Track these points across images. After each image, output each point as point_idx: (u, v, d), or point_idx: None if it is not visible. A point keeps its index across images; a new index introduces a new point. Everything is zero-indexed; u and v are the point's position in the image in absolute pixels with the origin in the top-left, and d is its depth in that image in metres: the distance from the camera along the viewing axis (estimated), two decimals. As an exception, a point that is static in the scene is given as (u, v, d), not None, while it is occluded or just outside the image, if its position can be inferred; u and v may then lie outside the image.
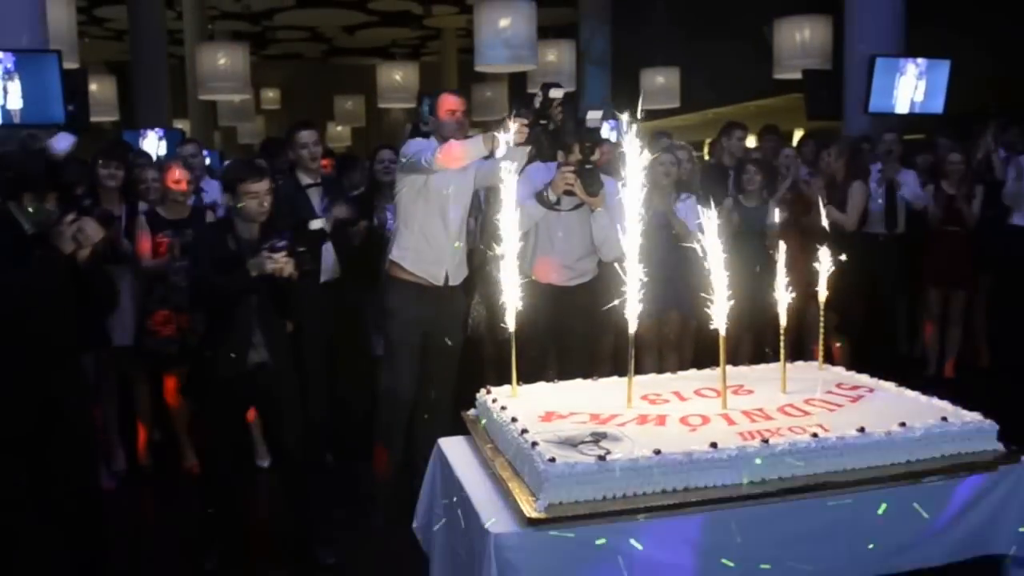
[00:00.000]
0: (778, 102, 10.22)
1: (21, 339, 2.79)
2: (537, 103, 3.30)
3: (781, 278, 2.59)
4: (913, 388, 2.63)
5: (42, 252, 2.80)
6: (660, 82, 11.37)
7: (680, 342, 4.70)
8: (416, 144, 3.65)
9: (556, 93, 3.30)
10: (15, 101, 5.39)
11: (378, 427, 3.84)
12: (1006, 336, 5.80)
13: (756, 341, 4.96)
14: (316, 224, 3.90)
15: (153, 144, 9.55)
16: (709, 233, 2.43)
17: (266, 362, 3.29)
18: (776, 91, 9.61)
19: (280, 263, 3.13)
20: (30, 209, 2.85)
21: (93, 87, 10.58)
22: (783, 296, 2.57)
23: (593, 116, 3.52)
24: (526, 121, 3.25)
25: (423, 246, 3.68)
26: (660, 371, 3.27)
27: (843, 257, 2.82)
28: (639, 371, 2.88)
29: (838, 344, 5.31)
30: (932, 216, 5.53)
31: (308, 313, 4.30)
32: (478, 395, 2.64)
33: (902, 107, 6.69)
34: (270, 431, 3.61)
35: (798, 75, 7.89)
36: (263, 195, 3.25)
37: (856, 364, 5.02)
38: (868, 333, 5.57)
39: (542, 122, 3.31)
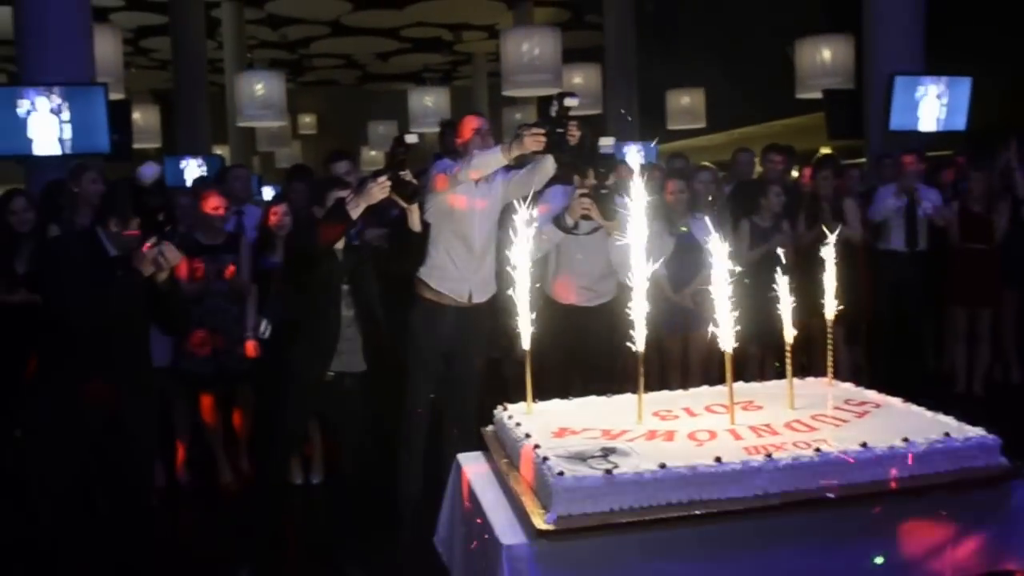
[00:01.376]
0: (802, 121, 10.25)
1: (97, 353, 2.98)
2: (553, 111, 3.34)
3: (786, 295, 2.66)
4: (941, 405, 2.63)
5: (124, 274, 2.97)
6: (686, 103, 11.47)
7: (707, 360, 4.78)
8: (441, 165, 3.79)
9: (571, 102, 3.31)
10: (65, 132, 5.68)
11: (400, 441, 3.94)
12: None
13: (779, 358, 5.01)
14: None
15: (193, 171, 9.89)
16: (719, 253, 2.51)
17: (347, 373, 3.41)
18: (800, 110, 9.65)
19: (382, 183, 3.29)
20: (114, 230, 3.04)
21: (137, 116, 11.04)
22: (787, 312, 2.64)
23: (606, 142, 3.62)
24: (542, 130, 3.31)
25: (448, 264, 3.78)
26: (686, 389, 3.34)
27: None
28: (665, 388, 2.99)
29: None
30: (953, 234, 5.53)
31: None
32: (495, 411, 2.74)
33: (925, 125, 6.71)
34: (334, 444, 3.69)
35: (820, 94, 7.94)
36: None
37: (883, 381, 5.16)
38: (895, 350, 5.58)
39: (559, 130, 3.33)
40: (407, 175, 3.42)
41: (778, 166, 5.69)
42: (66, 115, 5.60)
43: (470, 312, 3.84)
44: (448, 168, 3.66)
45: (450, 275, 3.79)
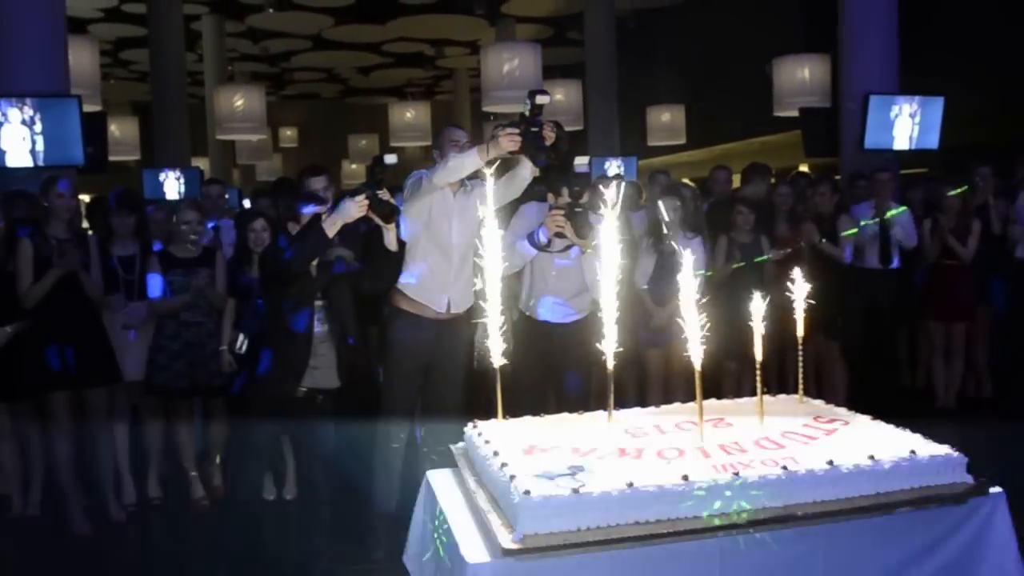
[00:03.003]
0: (780, 138, 10.37)
1: None
2: (526, 110, 3.29)
3: (758, 313, 2.67)
4: (919, 420, 2.65)
5: None
6: (666, 119, 11.56)
7: (687, 376, 4.78)
8: (416, 172, 3.78)
9: (543, 99, 3.29)
10: (38, 144, 5.62)
11: (376, 458, 3.91)
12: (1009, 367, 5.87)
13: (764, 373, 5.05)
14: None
15: (172, 183, 9.83)
16: (688, 271, 2.52)
17: (320, 389, 3.40)
18: (779, 128, 9.77)
19: (360, 204, 3.33)
20: None
21: (115, 128, 10.97)
22: (759, 329, 2.65)
23: (581, 161, 3.64)
24: (516, 130, 3.27)
25: (426, 274, 3.75)
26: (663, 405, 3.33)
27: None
28: (646, 405, 2.99)
29: None
30: (929, 251, 5.60)
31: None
32: (465, 429, 2.73)
33: (899, 144, 6.80)
34: (301, 460, 3.68)
35: (797, 112, 8.04)
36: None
37: (860, 396, 5.22)
38: (870, 365, 5.63)
39: (533, 129, 3.30)
40: (385, 194, 3.42)
41: (724, 185, 5.85)
42: (39, 127, 5.54)
43: (449, 324, 3.80)
44: (424, 176, 3.66)
45: (428, 284, 3.75)
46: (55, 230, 4.18)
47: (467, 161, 3.45)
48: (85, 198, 6.29)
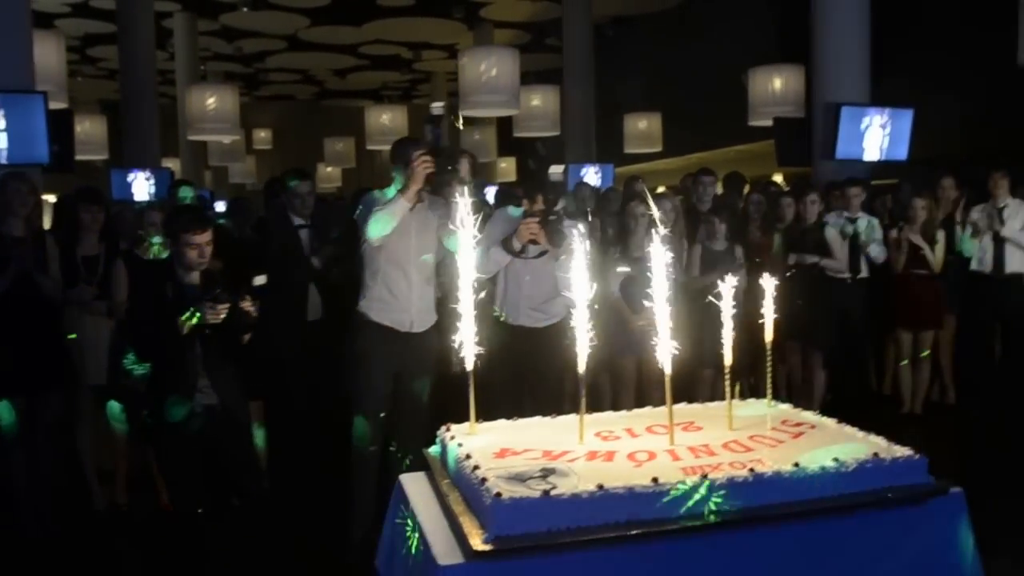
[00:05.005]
0: (755, 147, 10.49)
1: None
2: (429, 135, 3.42)
3: (728, 319, 2.71)
4: (886, 424, 2.71)
5: None
6: (643, 127, 11.63)
7: (661, 383, 4.82)
8: (367, 203, 3.67)
9: (436, 107, 3.45)
10: (1, 141, 5.49)
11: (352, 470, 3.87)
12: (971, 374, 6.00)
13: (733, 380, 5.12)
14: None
15: (141, 184, 9.71)
16: (660, 276, 2.55)
17: (214, 405, 3.27)
18: (753, 137, 9.89)
19: (218, 311, 3.14)
20: None
21: (84, 126, 10.79)
22: (728, 336, 2.69)
23: (556, 170, 3.67)
24: (427, 157, 3.38)
25: (387, 296, 3.72)
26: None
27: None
28: (619, 408, 3.01)
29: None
30: (895, 260, 5.71)
31: (292, 350, 4.43)
32: (438, 432, 2.74)
33: (870, 155, 6.92)
34: (225, 473, 3.43)
35: (772, 122, 8.14)
36: (204, 246, 3.26)
37: (830, 402, 5.31)
38: (840, 372, 5.73)
39: (438, 146, 3.46)
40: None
41: (709, 189, 5.99)
42: (2, 123, 5.43)
43: (414, 336, 3.79)
44: (364, 220, 3.60)
45: (390, 306, 3.73)
46: (9, 228, 4.11)
47: (395, 209, 3.48)
48: (50, 198, 6.19)
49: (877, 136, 6.94)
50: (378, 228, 3.52)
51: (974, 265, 5.76)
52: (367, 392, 3.78)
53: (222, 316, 3.16)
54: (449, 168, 3.54)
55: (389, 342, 3.74)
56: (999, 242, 5.70)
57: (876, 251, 5.66)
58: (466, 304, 2.62)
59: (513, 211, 4.04)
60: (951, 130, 8.70)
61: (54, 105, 6.04)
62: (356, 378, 3.82)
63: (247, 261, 4.40)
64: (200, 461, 3.25)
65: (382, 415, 3.80)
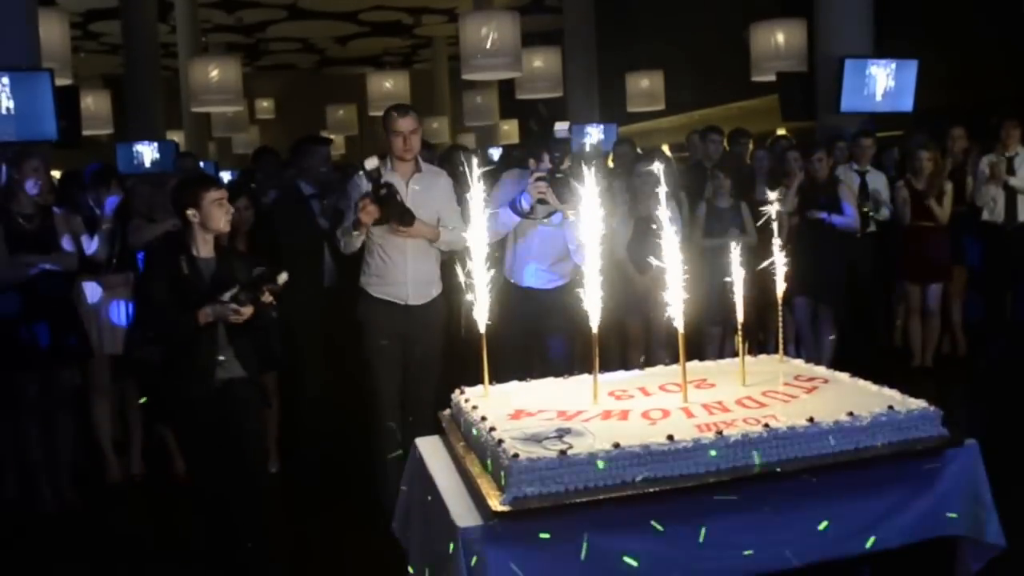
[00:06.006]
0: (759, 103, 10.38)
1: None
2: (380, 190, 3.48)
3: (739, 276, 2.70)
4: (897, 378, 2.71)
5: None
6: (645, 85, 11.51)
7: (668, 341, 4.84)
8: (357, 177, 3.74)
9: (370, 163, 3.53)
10: (8, 118, 5.52)
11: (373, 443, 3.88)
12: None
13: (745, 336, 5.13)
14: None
15: (148, 157, 9.70)
16: (669, 235, 2.54)
17: (235, 378, 3.18)
18: (756, 93, 9.77)
19: (243, 313, 3.05)
20: None
21: (88, 101, 10.76)
22: (739, 292, 2.69)
23: (561, 127, 3.64)
24: (369, 207, 3.47)
25: (384, 270, 3.75)
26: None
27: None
28: (627, 368, 3.02)
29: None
30: (901, 213, 5.67)
31: (307, 317, 4.44)
32: (452, 395, 2.76)
33: (874, 107, 6.84)
34: (234, 449, 3.25)
35: (775, 77, 8.04)
36: (229, 205, 3.18)
37: (840, 356, 5.30)
38: (849, 326, 5.72)
39: (382, 192, 3.47)
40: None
41: (717, 147, 5.97)
42: (10, 102, 5.44)
43: (415, 308, 3.80)
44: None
45: (389, 279, 3.75)
46: (22, 206, 4.12)
47: (351, 242, 3.63)
48: (56, 173, 6.20)
49: (881, 88, 6.86)
50: (346, 250, 3.69)
51: (986, 216, 5.72)
52: (379, 357, 3.79)
53: (246, 316, 3.05)
54: (399, 216, 3.56)
55: (390, 315, 3.75)
56: (1010, 192, 5.65)
57: (884, 213, 5.64)
58: (479, 268, 2.62)
59: (520, 173, 4.02)
60: (959, 80, 8.57)
61: (59, 82, 6.04)
62: (366, 345, 3.82)
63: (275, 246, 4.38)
64: (218, 437, 3.15)
65: (395, 390, 3.80)
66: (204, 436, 3.17)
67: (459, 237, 3.39)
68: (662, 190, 2.58)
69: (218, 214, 3.13)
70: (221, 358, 3.13)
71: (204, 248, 3.18)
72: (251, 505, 3.23)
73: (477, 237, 2.64)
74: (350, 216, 3.62)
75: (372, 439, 3.87)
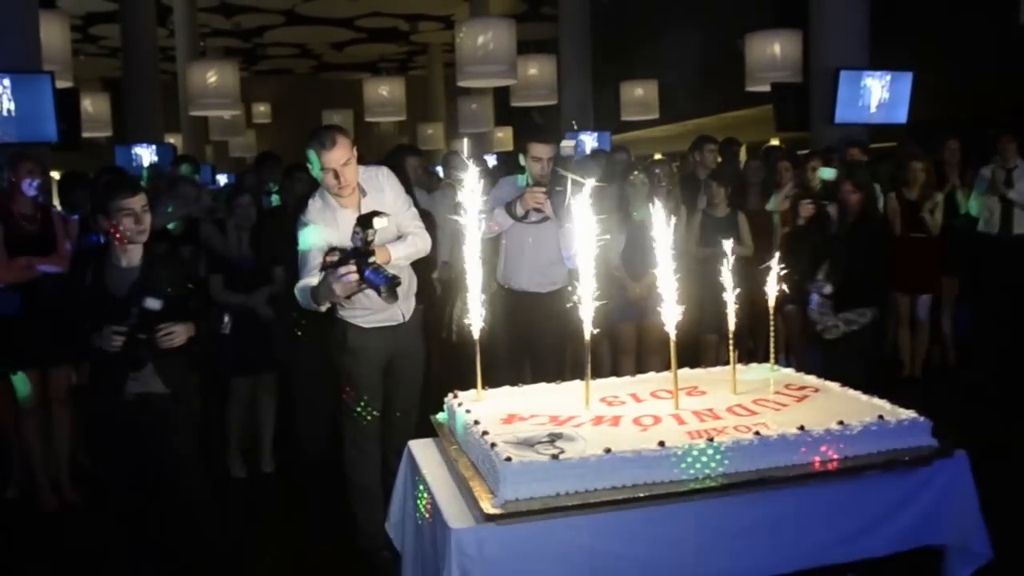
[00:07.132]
0: (753, 113, 10.43)
1: None
2: (357, 241, 2.92)
3: (729, 283, 2.73)
4: (887, 388, 2.74)
5: None
6: (639, 94, 11.56)
7: (660, 348, 4.86)
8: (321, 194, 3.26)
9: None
10: (9, 120, 5.55)
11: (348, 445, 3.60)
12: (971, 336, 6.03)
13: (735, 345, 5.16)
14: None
15: (147, 160, 9.73)
16: (664, 241, 2.57)
17: (153, 393, 2.96)
18: (751, 102, 9.83)
19: (174, 336, 2.85)
20: None
21: (87, 104, 10.80)
22: (731, 300, 2.71)
23: (567, 144, 3.66)
24: (352, 269, 2.85)
25: (371, 303, 3.26)
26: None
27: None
28: (619, 374, 3.03)
29: None
30: (895, 224, 5.70)
31: (308, 316, 4.39)
32: (446, 399, 2.78)
33: (868, 119, 6.90)
34: (154, 461, 3.03)
35: (770, 87, 8.10)
36: (140, 212, 2.86)
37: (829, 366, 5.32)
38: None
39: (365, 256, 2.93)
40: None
41: (710, 156, 5.93)
42: (11, 103, 5.47)
43: (404, 324, 3.50)
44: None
45: (379, 306, 3.30)
46: (21, 207, 4.14)
47: (325, 294, 2.99)
48: (55, 175, 6.22)
49: (876, 100, 6.91)
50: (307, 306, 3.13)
51: (981, 226, 5.76)
52: (361, 380, 3.47)
53: (179, 341, 2.81)
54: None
55: (384, 337, 3.45)
56: (1007, 204, 5.70)
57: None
58: (473, 273, 2.64)
59: (520, 180, 4.05)
60: (954, 92, 8.64)
61: (60, 84, 6.07)
62: (348, 368, 3.48)
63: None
64: (130, 448, 2.95)
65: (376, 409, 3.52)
66: (110, 451, 2.99)
67: (416, 247, 3.26)
68: (660, 194, 2.61)
69: (126, 223, 2.86)
70: (145, 370, 2.91)
71: (126, 257, 2.93)
72: (182, 521, 3.04)
73: (472, 241, 2.67)
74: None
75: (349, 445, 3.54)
